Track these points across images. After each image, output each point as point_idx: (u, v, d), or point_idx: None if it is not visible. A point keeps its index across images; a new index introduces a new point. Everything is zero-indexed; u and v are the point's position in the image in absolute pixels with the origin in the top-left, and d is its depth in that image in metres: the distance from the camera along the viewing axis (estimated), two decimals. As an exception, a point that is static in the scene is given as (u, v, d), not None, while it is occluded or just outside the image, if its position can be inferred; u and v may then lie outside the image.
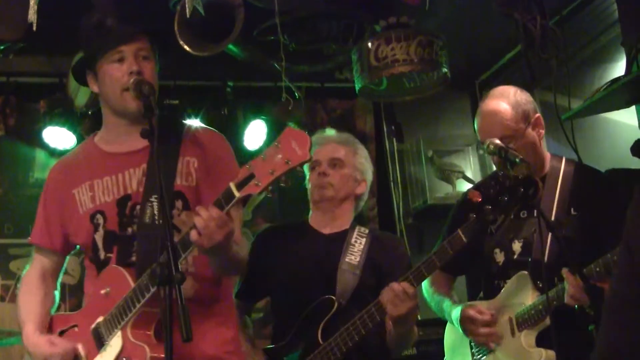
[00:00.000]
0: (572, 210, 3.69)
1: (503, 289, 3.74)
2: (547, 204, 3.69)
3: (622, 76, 5.08)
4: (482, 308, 3.69)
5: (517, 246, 3.75)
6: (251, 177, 2.82)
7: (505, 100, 3.85)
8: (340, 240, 3.95)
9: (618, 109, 5.49)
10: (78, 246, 3.46)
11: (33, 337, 3.24)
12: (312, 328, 3.71)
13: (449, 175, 7.13)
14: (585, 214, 3.67)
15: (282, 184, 2.88)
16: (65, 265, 3.56)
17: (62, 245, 3.45)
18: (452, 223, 3.95)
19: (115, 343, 3.09)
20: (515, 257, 3.75)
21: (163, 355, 2.77)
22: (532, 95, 6.76)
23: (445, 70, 5.54)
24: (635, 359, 1.45)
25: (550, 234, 3.59)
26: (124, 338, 3.06)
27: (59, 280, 3.52)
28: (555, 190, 3.69)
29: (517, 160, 3.53)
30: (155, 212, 3.15)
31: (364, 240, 3.93)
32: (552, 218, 3.65)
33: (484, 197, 3.32)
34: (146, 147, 3.22)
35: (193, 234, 2.88)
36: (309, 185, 4.10)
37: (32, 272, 3.47)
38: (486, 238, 3.78)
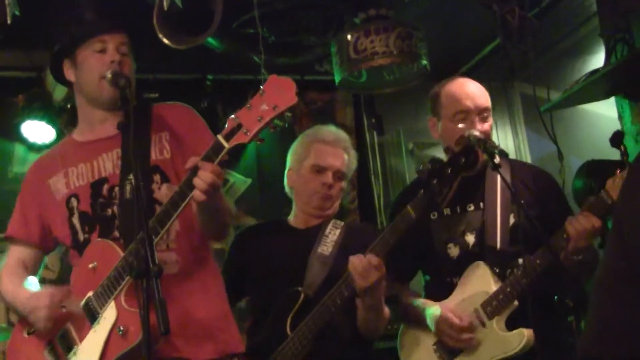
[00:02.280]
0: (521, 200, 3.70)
1: (459, 282, 3.71)
2: (492, 195, 3.73)
3: (601, 67, 5.12)
4: (460, 313, 3.63)
5: (470, 238, 3.74)
6: (239, 127, 2.84)
7: (480, 86, 3.89)
8: (315, 233, 3.97)
9: (597, 100, 5.54)
10: (60, 244, 3.46)
11: (29, 299, 3.23)
12: (282, 321, 3.73)
13: (429, 167, 7.16)
14: (530, 204, 3.69)
15: (271, 130, 2.87)
16: (43, 262, 3.55)
17: (40, 238, 3.44)
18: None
19: (109, 314, 3.06)
20: (470, 248, 3.74)
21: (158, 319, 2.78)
22: (512, 86, 6.84)
23: (424, 62, 5.55)
24: (630, 332, 1.45)
25: (501, 222, 3.67)
26: (118, 307, 3.04)
27: (38, 276, 3.49)
28: (497, 184, 3.72)
29: (497, 151, 3.59)
30: (135, 188, 3.07)
31: (338, 231, 3.95)
32: (498, 210, 3.70)
33: (430, 172, 3.40)
34: (119, 133, 3.26)
35: (197, 194, 2.90)
36: (306, 185, 4.06)
37: (10, 261, 3.45)
38: (435, 235, 3.80)
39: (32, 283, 3.39)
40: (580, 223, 3.36)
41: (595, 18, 5.72)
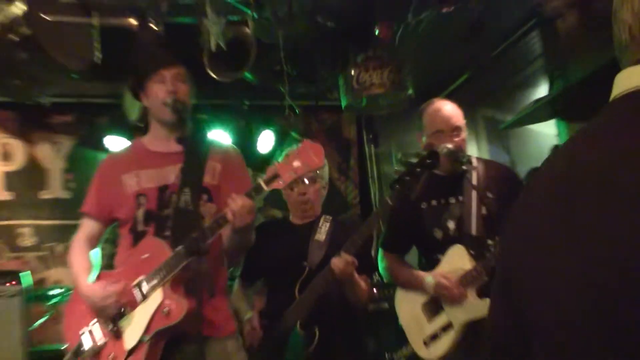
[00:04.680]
0: (488, 194, 3.70)
1: (442, 259, 3.71)
2: (469, 190, 3.72)
3: (544, 96, 5.12)
4: (449, 276, 3.63)
5: (451, 224, 3.72)
6: (277, 176, 2.94)
7: (455, 105, 3.89)
8: (310, 227, 4.01)
9: (541, 121, 5.54)
10: (117, 222, 3.46)
11: (88, 285, 3.22)
12: (292, 287, 3.78)
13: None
14: (499, 197, 3.70)
15: (296, 184, 3.08)
16: (105, 234, 3.54)
17: (106, 218, 3.42)
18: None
19: (156, 296, 3.07)
20: (451, 233, 3.72)
21: (194, 306, 2.92)
22: (477, 111, 6.82)
23: (410, 91, 5.58)
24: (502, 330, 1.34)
25: (475, 213, 3.66)
26: (165, 292, 3.05)
27: (100, 245, 3.48)
28: (472, 179, 3.71)
29: (465, 159, 3.65)
30: (188, 200, 3.17)
31: (328, 224, 3.98)
32: (473, 203, 3.69)
33: (404, 172, 3.50)
34: (181, 151, 3.30)
35: (229, 215, 2.98)
36: (287, 198, 4.11)
37: (80, 235, 3.43)
38: (425, 221, 3.79)
39: (94, 255, 3.42)
40: None
41: (540, 58, 5.72)
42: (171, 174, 3.32)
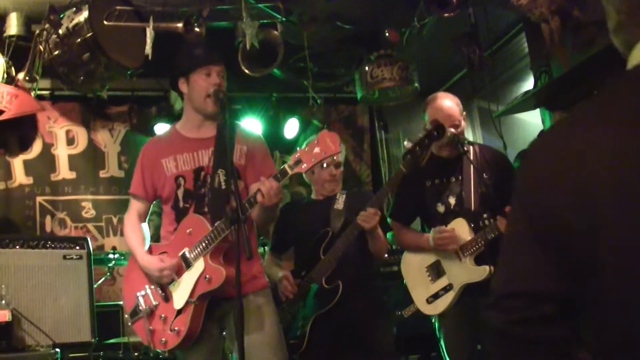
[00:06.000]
0: (484, 174, 3.69)
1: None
2: (467, 171, 3.72)
3: (531, 89, 5.15)
4: (447, 232, 3.65)
5: (452, 200, 3.72)
6: (299, 161, 2.98)
7: (454, 100, 3.86)
8: (329, 201, 4.02)
9: (528, 110, 5.57)
10: (159, 199, 3.46)
11: (146, 256, 3.27)
12: (317, 249, 3.82)
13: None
14: (493, 177, 3.70)
15: (316, 168, 3.09)
16: (151, 207, 3.55)
17: (151, 196, 3.43)
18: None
19: (198, 265, 3.12)
20: (452, 207, 3.72)
21: (232, 275, 2.95)
22: (473, 101, 6.84)
23: (416, 85, 5.62)
24: (520, 281, 1.31)
25: (473, 191, 3.67)
26: (205, 262, 3.10)
27: (147, 219, 3.51)
28: (470, 162, 3.70)
29: (466, 142, 3.71)
30: (221, 180, 3.19)
31: (344, 196, 3.99)
32: (472, 182, 3.70)
33: (414, 144, 3.52)
34: (213, 136, 3.30)
35: (259, 196, 3.02)
36: (314, 176, 4.08)
37: (131, 213, 3.45)
38: (429, 196, 3.79)
39: (145, 229, 3.46)
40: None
41: (527, 57, 5.74)
42: (204, 157, 3.31)
